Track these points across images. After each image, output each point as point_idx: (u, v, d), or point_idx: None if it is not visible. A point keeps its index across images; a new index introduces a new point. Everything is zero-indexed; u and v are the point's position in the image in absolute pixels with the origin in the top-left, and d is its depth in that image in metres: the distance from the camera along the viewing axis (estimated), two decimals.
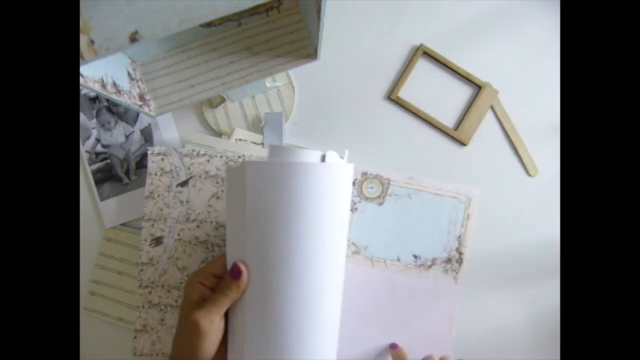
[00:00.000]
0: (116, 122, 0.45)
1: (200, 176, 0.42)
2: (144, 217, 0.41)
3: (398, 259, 0.42)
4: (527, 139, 0.45)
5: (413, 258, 0.42)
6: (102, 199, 0.44)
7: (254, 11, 0.39)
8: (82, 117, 0.44)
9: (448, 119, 0.45)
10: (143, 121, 0.45)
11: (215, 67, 0.39)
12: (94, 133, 0.44)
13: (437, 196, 0.43)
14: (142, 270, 0.41)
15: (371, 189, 0.43)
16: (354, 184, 0.43)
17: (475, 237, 0.43)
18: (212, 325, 0.31)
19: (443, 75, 0.46)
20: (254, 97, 0.45)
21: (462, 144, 0.45)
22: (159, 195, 0.42)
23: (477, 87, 0.45)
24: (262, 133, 0.44)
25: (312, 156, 0.31)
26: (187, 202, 0.42)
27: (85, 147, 0.44)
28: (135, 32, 0.23)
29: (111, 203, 0.44)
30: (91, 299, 0.43)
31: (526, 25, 0.46)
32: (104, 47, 0.23)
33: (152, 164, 0.42)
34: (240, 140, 0.44)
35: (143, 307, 0.41)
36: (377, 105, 0.45)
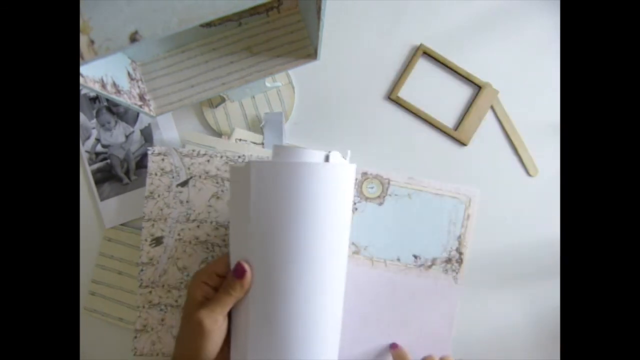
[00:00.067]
0: (116, 122, 0.45)
1: (200, 176, 0.42)
2: (144, 217, 0.41)
3: (398, 259, 0.42)
4: (527, 139, 0.45)
5: (413, 258, 0.42)
6: (102, 199, 0.44)
7: (254, 11, 0.39)
8: (82, 117, 0.44)
9: (448, 119, 0.45)
10: (143, 121, 0.45)
11: (215, 67, 0.39)
12: (94, 133, 0.44)
13: (437, 196, 0.43)
14: (142, 270, 0.41)
15: (371, 189, 0.43)
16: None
17: (475, 237, 0.43)
18: (215, 324, 0.31)
19: (443, 75, 0.46)
20: (254, 97, 0.45)
21: (462, 144, 0.45)
22: (159, 195, 0.42)
23: (477, 87, 0.45)
24: (262, 133, 0.44)
25: (316, 156, 0.32)
26: (187, 202, 0.42)
27: (85, 147, 0.44)
28: (135, 32, 0.23)
29: (111, 203, 0.44)
30: (91, 299, 0.43)
31: (526, 25, 0.46)
32: (104, 47, 0.23)
33: (152, 164, 0.42)
34: (240, 140, 0.44)
35: (143, 307, 0.41)
36: (377, 105, 0.45)
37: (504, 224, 0.44)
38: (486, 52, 0.45)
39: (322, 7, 0.30)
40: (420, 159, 0.45)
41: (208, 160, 0.42)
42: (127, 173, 0.44)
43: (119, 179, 0.44)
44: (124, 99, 0.33)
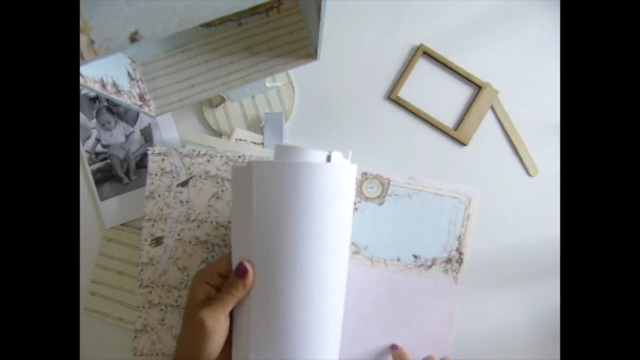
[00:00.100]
0: (116, 122, 0.45)
1: (200, 176, 0.42)
2: (144, 217, 0.41)
3: (398, 259, 0.42)
4: (527, 139, 0.45)
5: (413, 258, 0.42)
6: (102, 199, 0.44)
7: (254, 11, 0.39)
8: (82, 117, 0.44)
9: (448, 119, 0.45)
10: (143, 121, 0.45)
11: (215, 67, 0.39)
12: (94, 133, 0.44)
13: (437, 196, 0.43)
14: (142, 270, 0.41)
15: (371, 189, 0.43)
16: None
17: (475, 237, 0.43)
18: (217, 324, 0.31)
19: (443, 75, 0.46)
20: (254, 97, 0.45)
21: (462, 144, 0.45)
22: (159, 195, 0.42)
23: (477, 87, 0.45)
24: (262, 133, 0.44)
25: (318, 156, 0.32)
26: (187, 202, 0.42)
27: (85, 147, 0.44)
28: (135, 32, 0.23)
29: (111, 203, 0.44)
30: (91, 299, 0.43)
31: (526, 25, 0.46)
32: (104, 47, 0.23)
33: (153, 164, 0.42)
34: (240, 140, 0.44)
35: (143, 307, 0.41)
36: (377, 105, 0.45)
37: (504, 224, 0.44)
38: (486, 52, 0.45)
39: (322, 7, 0.30)
40: (420, 159, 0.45)
41: (208, 160, 0.42)
42: (127, 173, 0.44)
43: (119, 179, 0.44)
44: (124, 99, 0.33)
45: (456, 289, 0.42)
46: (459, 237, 0.43)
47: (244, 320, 0.32)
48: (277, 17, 0.40)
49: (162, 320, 0.41)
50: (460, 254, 0.43)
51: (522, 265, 0.44)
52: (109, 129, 0.44)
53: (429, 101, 0.45)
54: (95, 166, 0.44)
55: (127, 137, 0.44)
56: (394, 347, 0.40)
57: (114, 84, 0.33)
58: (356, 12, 0.46)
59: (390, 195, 0.43)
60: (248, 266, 0.31)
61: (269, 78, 0.44)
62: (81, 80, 0.27)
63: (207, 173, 0.42)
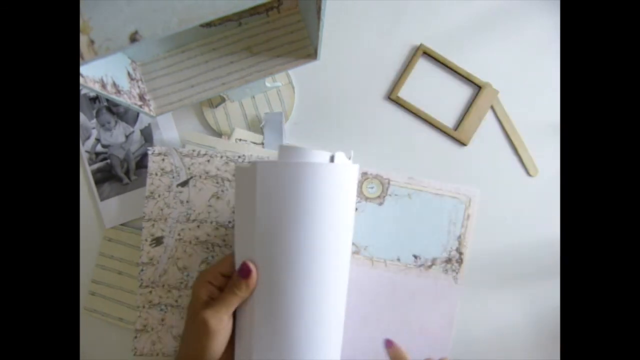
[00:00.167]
0: (116, 122, 0.45)
1: (200, 176, 0.42)
2: (144, 217, 0.41)
3: (398, 259, 0.42)
4: (527, 139, 0.45)
5: (413, 258, 0.42)
6: (102, 199, 0.44)
7: (254, 11, 0.39)
8: (82, 117, 0.44)
9: (448, 119, 0.45)
10: (143, 121, 0.45)
11: (215, 67, 0.39)
12: (94, 133, 0.44)
13: (437, 196, 0.43)
14: (142, 270, 0.41)
15: (371, 189, 0.43)
16: None
17: (475, 237, 0.43)
18: (220, 324, 0.31)
19: (443, 75, 0.46)
20: (254, 97, 0.45)
21: (462, 144, 0.45)
22: (159, 195, 0.42)
23: (477, 87, 0.45)
24: (262, 133, 0.44)
25: (321, 157, 0.32)
26: (187, 202, 0.42)
27: (85, 147, 0.44)
28: (135, 32, 0.23)
29: (111, 203, 0.44)
30: (91, 299, 0.43)
31: (526, 25, 0.46)
32: (104, 47, 0.23)
33: (153, 164, 0.42)
34: (240, 140, 0.44)
35: (143, 307, 0.41)
36: (377, 105, 0.45)
37: (504, 224, 0.44)
38: (486, 52, 0.45)
39: (322, 7, 0.30)
40: (420, 159, 0.45)
41: (208, 161, 0.42)
42: (127, 173, 0.44)
43: (119, 179, 0.44)
44: (124, 99, 0.33)
45: (456, 289, 0.42)
46: (459, 237, 0.43)
47: (246, 320, 0.32)
48: (277, 17, 0.40)
49: (162, 320, 0.41)
50: (460, 254, 0.43)
51: (522, 265, 0.44)
52: (109, 129, 0.44)
53: (429, 101, 0.45)
54: (95, 166, 0.44)
55: (127, 137, 0.45)
56: (388, 344, 0.38)
57: (114, 84, 0.33)
58: (356, 12, 0.46)
59: (390, 195, 0.43)
60: (251, 266, 0.31)
61: (269, 78, 0.44)
62: (81, 80, 0.27)
63: (207, 173, 0.42)
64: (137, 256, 0.42)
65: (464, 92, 0.45)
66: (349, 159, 0.34)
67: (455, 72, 0.45)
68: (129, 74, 0.36)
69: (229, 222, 0.42)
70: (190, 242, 0.41)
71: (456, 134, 0.44)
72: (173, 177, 0.42)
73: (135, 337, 0.41)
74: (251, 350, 0.31)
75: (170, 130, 0.45)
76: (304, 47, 0.39)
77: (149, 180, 0.42)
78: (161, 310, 0.41)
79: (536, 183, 0.44)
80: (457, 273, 0.42)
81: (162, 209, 0.41)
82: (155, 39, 0.26)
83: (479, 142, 0.45)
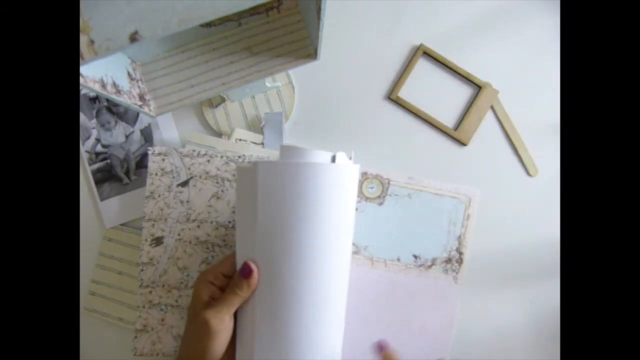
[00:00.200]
0: (116, 122, 0.45)
1: (200, 176, 0.42)
2: (144, 217, 0.41)
3: (398, 259, 0.42)
4: (527, 139, 0.45)
5: (413, 258, 0.42)
6: (102, 199, 0.44)
7: (254, 11, 0.39)
8: (82, 117, 0.44)
9: (448, 119, 0.45)
10: (143, 121, 0.45)
11: (215, 67, 0.39)
12: (94, 133, 0.44)
13: (437, 196, 0.43)
14: (142, 270, 0.41)
15: (371, 189, 0.43)
16: None
17: (475, 237, 0.43)
18: (222, 324, 0.31)
19: (443, 75, 0.46)
20: (254, 97, 0.45)
21: (462, 144, 0.45)
22: (159, 195, 0.42)
23: (477, 87, 0.45)
24: (262, 133, 0.44)
25: (322, 157, 0.32)
26: (187, 202, 0.42)
27: (85, 147, 0.44)
28: (135, 32, 0.23)
29: (111, 203, 0.44)
30: (91, 299, 0.43)
31: (526, 25, 0.46)
32: (104, 47, 0.23)
33: (153, 164, 0.42)
34: (240, 140, 0.44)
35: (143, 307, 0.41)
36: (377, 105, 0.45)
37: (504, 224, 0.44)
38: (486, 52, 0.45)
39: (322, 7, 0.30)
40: (420, 159, 0.45)
41: (208, 161, 0.42)
42: (127, 173, 0.44)
43: (119, 179, 0.44)
44: (124, 99, 0.33)
45: (456, 289, 0.42)
46: (459, 237, 0.43)
47: (248, 321, 0.32)
48: (277, 17, 0.40)
49: (162, 320, 0.41)
50: (460, 254, 0.43)
51: (522, 265, 0.44)
52: (109, 129, 0.44)
53: (429, 101, 0.45)
54: (95, 166, 0.44)
55: (127, 137, 0.44)
56: (380, 349, 0.33)
57: (114, 84, 0.33)
58: (356, 12, 0.46)
59: (390, 195, 0.43)
60: (253, 266, 0.31)
61: (269, 78, 0.44)
62: (81, 80, 0.27)
63: (207, 173, 0.42)
64: (137, 256, 0.42)
65: (464, 92, 0.45)
66: (350, 159, 0.34)
67: (455, 72, 0.45)
68: (129, 74, 0.36)
69: (229, 222, 0.42)
70: (190, 242, 0.41)
71: (456, 134, 0.44)
72: (173, 177, 0.42)
73: (135, 337, 0.41)
74: (252, 350, 0.31)
75: (170, 130, 0.45)
76: (304, 47, 0.39)
77: (149, 180, 0.42)
78: (161, 310, 0.41)
79: (536, 183, 0.44)
80: (457, 273, 0.42)
81: (162, 209, 0.41)
82: (155, 39, 0.26)
83: (479, 142, 0.45)
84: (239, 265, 0.32)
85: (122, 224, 0.44)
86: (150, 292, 0.41)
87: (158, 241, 0.41)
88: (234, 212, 0.42)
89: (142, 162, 0.44)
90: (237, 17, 0.38)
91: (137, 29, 0.23)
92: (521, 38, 0.46)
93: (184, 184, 0.42)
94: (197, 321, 0.31)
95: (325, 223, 0.31)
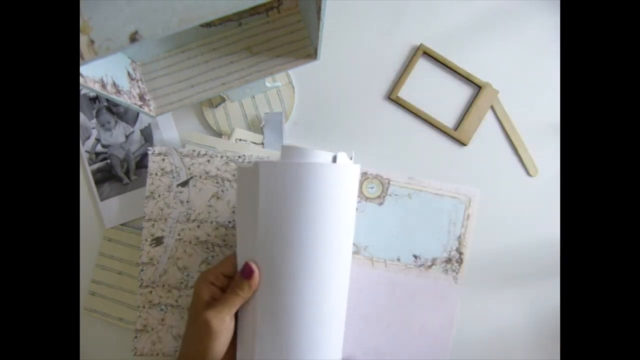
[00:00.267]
0: (116, 122, 0.45)
1: (200, 176, 0.42)
2: (144, 217, 0.41)
3: (398, 259, 0.42)
4: (527, 139, 0.45)
5: (413, 258, 0.42)
6: (102, 199, 0.44)
7: (254, 11, 0.39)
8: (82, 117, 0.44)
9: (448, 119, 0.45)
10: (143, 121, 0.45)
11: (215, 67, 0.39)
12: (94, 133, 0.44)
13: (437, 196, 0.43)
14: (142, 270, 0.41)
15: (371, 189, 0.43)
16: None
17: (475, 237, 0.43)
18: (223, 324, 0.31)
19: (443, 75, 0.46)
20: (254, 97, 0.45)
21: (462, 144, 0.45)
22: (159, 195, 0.42)
23: (477, 87, 0.45)
24: (262, 133, 0.44)
25: (324, 157, 0.32)
26: (187, 202, 0.42)
27: (85, 147, 0.44)
28: (135, 32, 0.23)
29: (111, 203, 0.44)
30: (91, 299, 0.43)
31: (526, 25, 0.46)
32: (104, 47, 0.23)
33: (153, 164, 0.42)
34: (240, 140, 0.44)
35: (143, 307, 0.41)
36: (377, 105, 0.45)
37: (504, 224, 0.44)
38: (486, 52, 0.45)
39: (322, 7, 0.30)
40: (420, 159, 0.45)
41: (208, 161, 0.42)
42: (127, 173, 0.44)
43: (119, 179, 0.44)
44: (124, 99, 0.33)
45: (456, 289, 0.42)
46: (459, 237, 0.43)
47: (249, 321, 0.32)
48: (277, 17, 0.40)
49: (163, 320, 0.41)
50: (460, 254, 0.43)
51: (522, 265, 0.44)
52: (109, 129, 0.44)
53: (429, 101, 0.45)
54: (95, 166, 0.44)
55: (127, 137, 0.45)
56: None
57: (114, 84, 0.33)
58: (356, 12, 0.46)
59: (390, 195, 0.43)
60: (254, 267, 0.31)
61: (269, 78, 0.44)
62: (81, 80, 0.27)
63: (207, 173, 0.42)
64: (137, 256, 0.42)
65: (464, 92, 0.45)
66: (351, 159, 0.34)
67: (455, 72, 0.45)
68: (129, 74, 0.36)
69: (229, 222, 0.42)
70: (190, 242, 0.41)
71: (456, 134, 0.44)
72: (173, 177, 0.42)
73: (135, 337, 0.41)
74: (253, 350, 0.31)
75: (170, 130, 0.45)
76: (304, 47, 0.39)
77: (149, 180, 0.42)
78: (161, 310, 0.41)
79: (536, 183, 0.44)
80: (457, 273, 0.42)
81: (162, 209, 0.41)
82: (155, 39, 0.26)
83: (479, 142, 0.45)
84: (239, 266, 0.32)
85: (122, 224, 0.44)
86: (150, 292, 0.41)
87: (158, 241, 0.41)
88: (234, 212, 0.42)
89: (142, 162, 0.44)
90: (237, 17, 0.38)
91: (137, 29, 0.23)
92: (521, 38, 0.46)
93: (184, 184, 0.42)
94: (198, 321, 0.31)
95: (326, 223, 0.31)
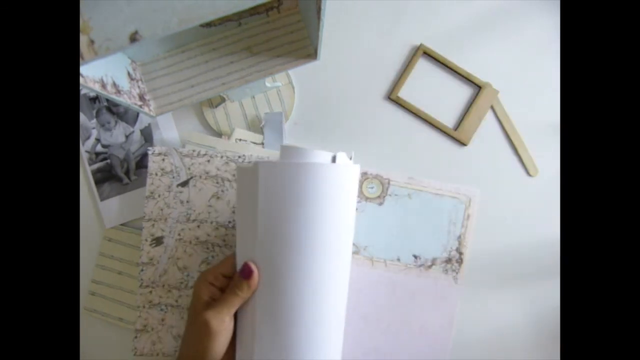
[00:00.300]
0: (116, 122, 0.45)
1: (200, 176, 0.42)
2: (144, 217, 0.41)
3: (398, 259, 0.42)
4: (527, 139, 0.45)
5: (413, 258, 0.42)
6: (102, 199, 0.44)
7: (254, 11, 0.39)
8: (82, 117, 0.44)
9: (448, 119, 0.45)
10: (143, 121, 0.45)
11: (215, 67, 0.39)
12: (94, 133, 0.44)
13: (437, 196, 0.43)
14: (142, 270, 0.41)
15: (371, 189, 0.43)
16: None
17: (475, 237, 0.43)
18: (222, 325, 0.31)
19: (443, 75, 0.46)
20: (254, 97, 0.45)
21: (462, 144, 0.45)
22: (159, 195, 0.42)
23: (477, 87, 0.45)
24: (262, 133, 0.44)
25: (323, 157, 0.32)
26: (187, 202, 0.42)
27: (85, 147, 0.44)
28: (135, 32, 0.23)
29: (111, 203, 0.44)
30: (91, 299, 0.43)
31: (526, 25, 0.46)
32: (104, 47, 0.23)
33: (153, 164, 0.42)
34: (240, 140, 0.44)
35: (143, 307, 0.41)
36: (377, 105, 0.45)
37: (504, 224, 0.44)
38: (486, 52, 0.45)
39: (322, 7, 0.30)
40: (420, 159, 0.45)
41: (208, 161, 0.42)
42: (127, 173, 0.44)
43: (119, 179, 0.44)
44: (124, 99, 0.33)
45: (456, 289, 0.42)
46: (459, 237, 0.43)
47: (248, 321, 0.32)
48: (277, 17, 0.40)
49: (163, 320, 0.41)
50: (460, 254, 0.43)
51: (522, 265, 0.44)
52: (109, 129, 0.44)
53: (429, 101, 0.45)
54: (95, 166, 0.44)
55: (127, 137, 0.45)
56: None
57: (114, 84, 0.33)
58: (356, 12, 0.46)
59: (390, 195, 0.43)
60: (253, 267, 0.31)
61: (269, 78, 0.44)
62: (81, 80, 0.27)
63: (207, 173, 0.42)
64: (137, 256, 0.42)
65: (464, 92, 0.45)
66: (350, 159, 0.34)
67: (455, 72, 0.45)
68: (129, 74, 0.36)
69: (229, 222, 0.42)
70: (190, 242, 0.41)
71: (456, 134, 0.44)
72: (173, 177, 0.42)
73: (135, 337, 0.41)
74: (252, 350, 0.31)
75: (170, 130, 0.45)
76: (304, 47, 0.39)
77: (149, 180, 0.42)
78: (161, 310, 0.41)
79: (536, 183, 0.44)
80: (457, 273, 0.42)
81: (162, 209, 0.41)
82: (155, 39, 0.26)
83: (479, 142, 0.45)
84: (239, 266, 0.32)
85: (122, 224, 0.44)
86: (150, 292, 0.41)
87: (158, 241, 0.41)
88: (234, 212, 0.42)
89: (142, 162, 0.44)
90: (237, 17, 0.39)
91: (137, 29, 0.23)
92: (521, 38, 0.46)
93: (184, 184, 0.42)
94: (198, 322, 0.31)
95: (326, 223, 0.31)
